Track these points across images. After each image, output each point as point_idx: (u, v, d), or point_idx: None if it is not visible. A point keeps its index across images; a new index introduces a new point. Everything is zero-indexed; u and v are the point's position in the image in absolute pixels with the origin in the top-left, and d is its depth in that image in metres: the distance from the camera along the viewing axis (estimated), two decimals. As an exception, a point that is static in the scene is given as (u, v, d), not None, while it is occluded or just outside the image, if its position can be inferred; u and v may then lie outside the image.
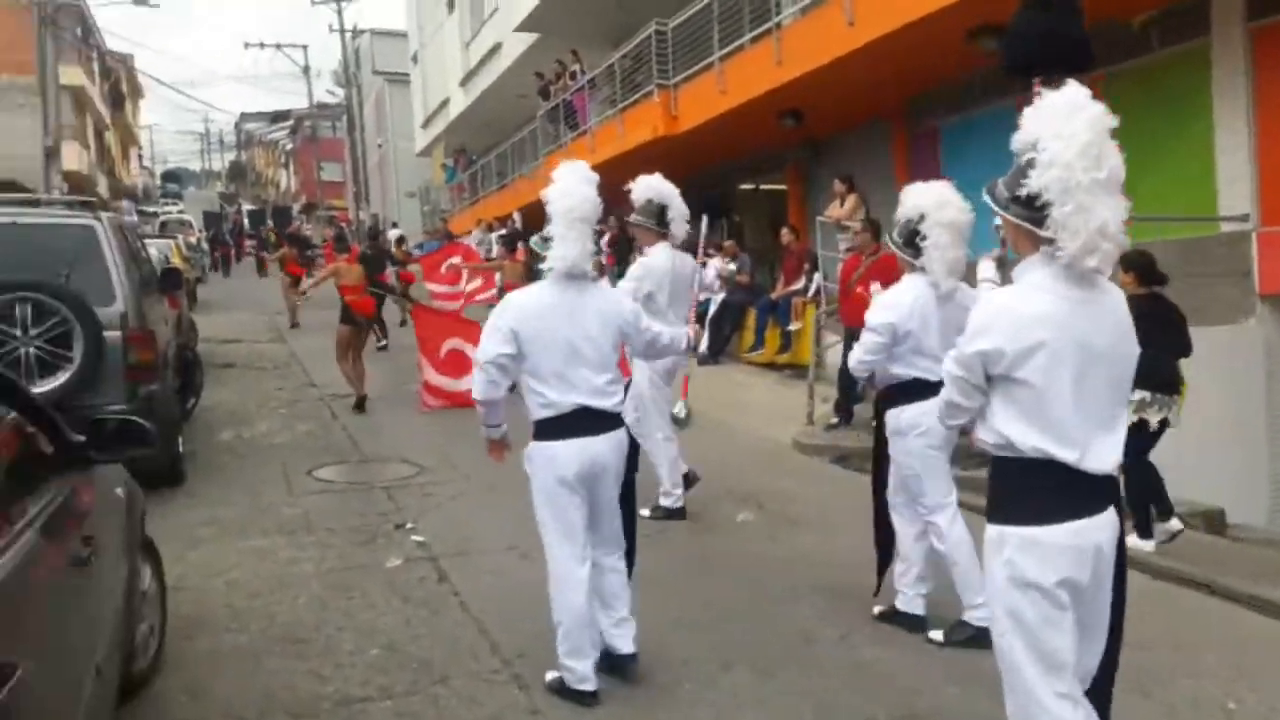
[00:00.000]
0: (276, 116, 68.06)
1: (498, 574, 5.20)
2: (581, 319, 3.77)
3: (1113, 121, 2.53)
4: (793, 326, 11.55)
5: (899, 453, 4.40)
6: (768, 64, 12.25)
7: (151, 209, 45.30)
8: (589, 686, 3.74)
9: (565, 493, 3.73)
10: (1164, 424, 6.04)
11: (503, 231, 20.84)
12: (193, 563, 5.39)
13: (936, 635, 4.38)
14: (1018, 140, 2.63)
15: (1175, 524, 5.95)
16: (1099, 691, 2.70)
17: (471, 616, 4.61)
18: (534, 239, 4.42)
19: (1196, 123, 9.32)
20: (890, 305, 4.35)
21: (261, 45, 54.81)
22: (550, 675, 3.86)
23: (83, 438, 3.05)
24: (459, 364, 9.19)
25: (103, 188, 36.49)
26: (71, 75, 30.17)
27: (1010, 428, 2.60)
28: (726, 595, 4.95)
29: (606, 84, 17.96)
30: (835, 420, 8.61)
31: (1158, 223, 9.23)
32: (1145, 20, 9.73)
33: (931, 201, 4.33)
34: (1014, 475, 2.62)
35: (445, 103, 29.44)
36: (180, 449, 7.28)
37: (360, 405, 9.83)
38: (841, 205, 10.93)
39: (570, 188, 3.84)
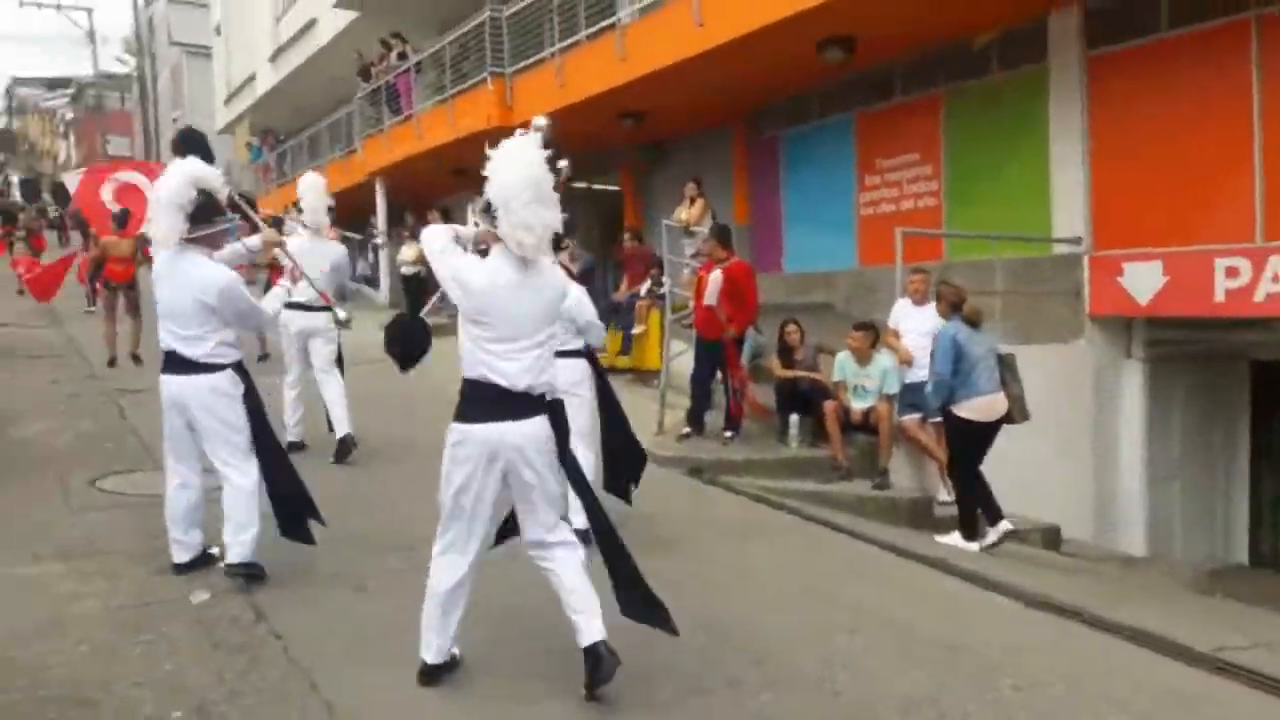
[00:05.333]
0: (55, 83, 62.28)
1: (325, 611, 4.49)
2: None
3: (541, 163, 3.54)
4: (635, 330, 11.14)
5: None
6: (610, 60, 11.83)
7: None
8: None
9: None
10: None
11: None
12: (-58, 598, 4.42)
13: None
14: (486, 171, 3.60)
15: None
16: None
17: (299, 667, 3.88)
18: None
19: (1033, 145, 9.55)
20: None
21: (39, 5, 49.77)
22: None
23: None
24: None
25: None
26: None
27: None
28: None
29: (433, 68, 17.08)
30: (688, 430, 8.24)
31: (993, 241, 9.40)
32: (986, 42, 9.91)
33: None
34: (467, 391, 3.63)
35: (251, 79, 27.57)
36: (-71, 454, 6.14)
37: (113, 363, 10.89)
38: (690, 207, 10.60)
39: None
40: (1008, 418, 6.77)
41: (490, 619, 4.18)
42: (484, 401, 3.56)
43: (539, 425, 3.62)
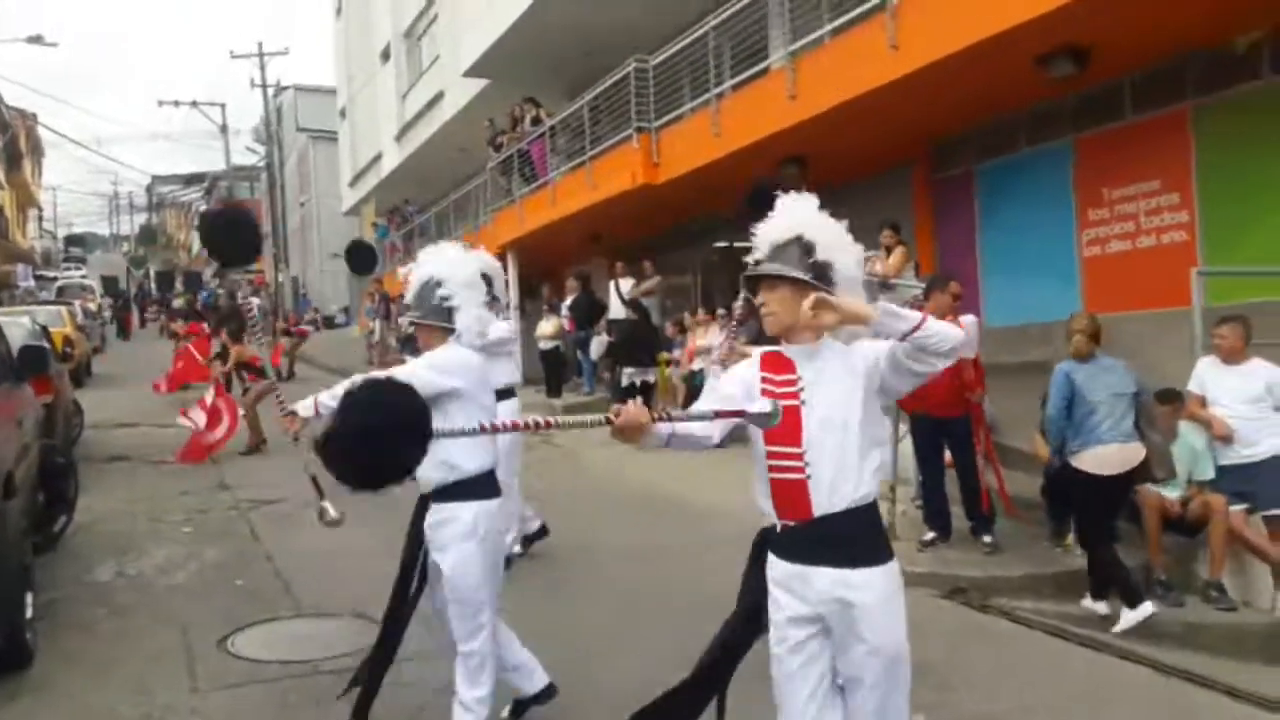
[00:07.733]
0: (191, 179, 64.78)
1: None
2: None
3: None
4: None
5: None
6: (777, 100, 10.45)
7: (52, 274, 42.51)
8: None
9: None
10: None
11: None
12: None
13: None
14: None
15: None
16: None
17: None
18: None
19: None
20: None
21: (176, 104, 51.63)
22: None
23: None
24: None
25: (-6, 251, 33.46)
26: (-42, 128, 27.38)
27: None
28: None
29: (566, 132, 16.07)
30: (931, 535, 6.59)
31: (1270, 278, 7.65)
32: (1253, 42, 8.15)
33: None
34: None
35: (377, 158, 27.39)
36: (28, 613, 4.95)
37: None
38: (888, 258, 9.06)
39: None
40: (1143, 471, 5.62)
41: None
42: None
43: None
